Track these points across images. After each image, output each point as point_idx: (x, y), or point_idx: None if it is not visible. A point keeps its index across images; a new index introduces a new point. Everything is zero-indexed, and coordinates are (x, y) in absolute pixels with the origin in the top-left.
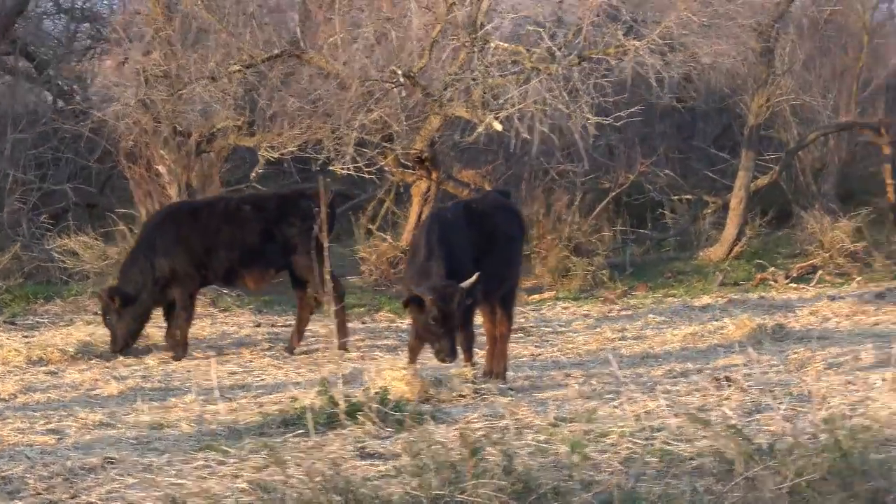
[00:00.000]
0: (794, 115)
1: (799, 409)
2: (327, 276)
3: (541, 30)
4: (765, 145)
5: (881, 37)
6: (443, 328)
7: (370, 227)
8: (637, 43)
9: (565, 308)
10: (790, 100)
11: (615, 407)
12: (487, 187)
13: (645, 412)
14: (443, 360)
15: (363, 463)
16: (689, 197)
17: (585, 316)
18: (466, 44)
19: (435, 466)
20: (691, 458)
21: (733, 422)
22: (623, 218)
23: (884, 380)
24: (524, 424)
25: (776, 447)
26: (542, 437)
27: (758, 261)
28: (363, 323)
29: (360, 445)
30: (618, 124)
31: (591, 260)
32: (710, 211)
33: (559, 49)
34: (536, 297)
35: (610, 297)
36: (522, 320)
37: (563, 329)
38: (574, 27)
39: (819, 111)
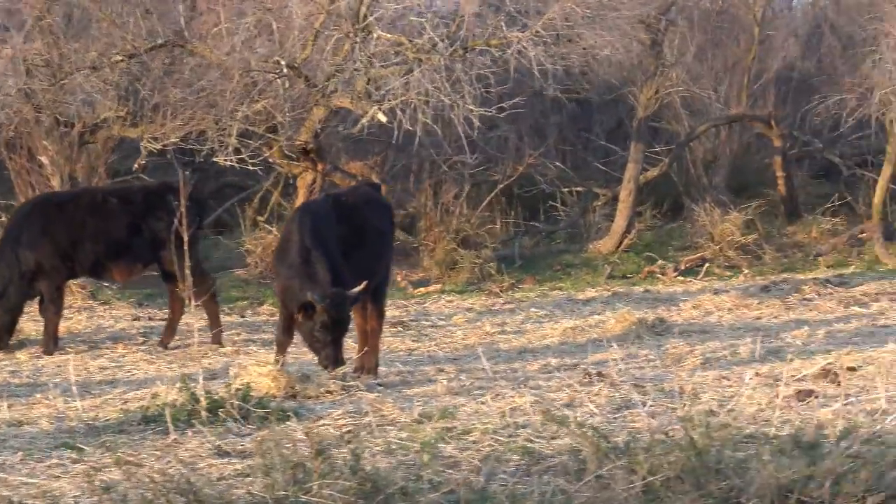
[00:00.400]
0: (686, 107)
1: (668, 405)
2: (188, 271)
3: (423, 20)
4: (658, 137)
5: (773, 29)
6: (331, 336)
7: (259, 218)
8: (520, 34)
9: (449, 301)
10: (680, 91)
11: (482, 403)
12: (375, 179)
13: (511, 408)
14: (326, 368)
15: (219, 461)
16: (579, 189)
17: (468, 310)
18: (350, 34)
19: (283, 466)
20: (552, 456)
21: (597, 418)
22: (516, 210)
23: (758, 374)
24: (388, 421)
25: (632, 445)
26: (403, 435)
27: (648, 253)
28: (243, 316)
29: (218, 443)
30: (501, 115)
31: (479, 253)
32: (600, 203)
33: (442, 40)
34: (422, 290)
35: (494, 291)
36: (403, 314)
37: (443, 323)
38: (458, 17)
39: (710, 103)
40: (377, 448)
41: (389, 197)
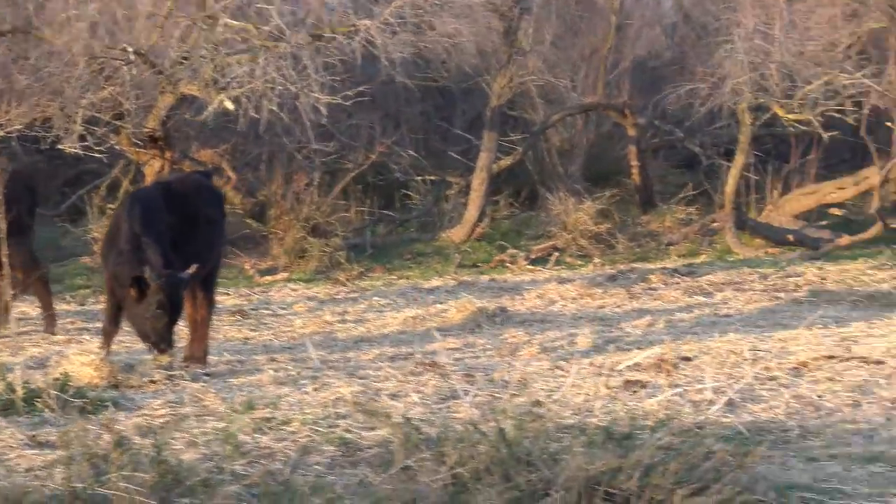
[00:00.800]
0: (542, 95)
1: (495, 395)
2: (5, 259)
3: (270, 7)
4: (515, 126)
5: (632, 18)
6: (166, 318)
7: (109, 207)
8: (368, 22)
9: (294, 290)
10: (535, 80)
11: (306, 393)
12: (226, 167)
13: (334, 399)
14: (161, 352)
15: (30, 452)
16: (433, 178)
17: (310, 298)
18: (197, 20)
19: (83, 457)
20: (368, 447)
21: (419, 409)
22: (371, 199)
23: (592, 364)
24: (208, 411)
25: (443, 436)
26: (220, 425)
27: (500, 242)
28: (82, 305)
29: (31, 434)
30: (348, 103)
31: (329, 241)
32: (453, 192)
33: (289, 27)
34: (268, 278)
35: (340, 280)
36: (244, 302)
37: (284, 312)
38: (306, 5)
39: (566, 92)
40: (190, 439)
41: (241, 185)
